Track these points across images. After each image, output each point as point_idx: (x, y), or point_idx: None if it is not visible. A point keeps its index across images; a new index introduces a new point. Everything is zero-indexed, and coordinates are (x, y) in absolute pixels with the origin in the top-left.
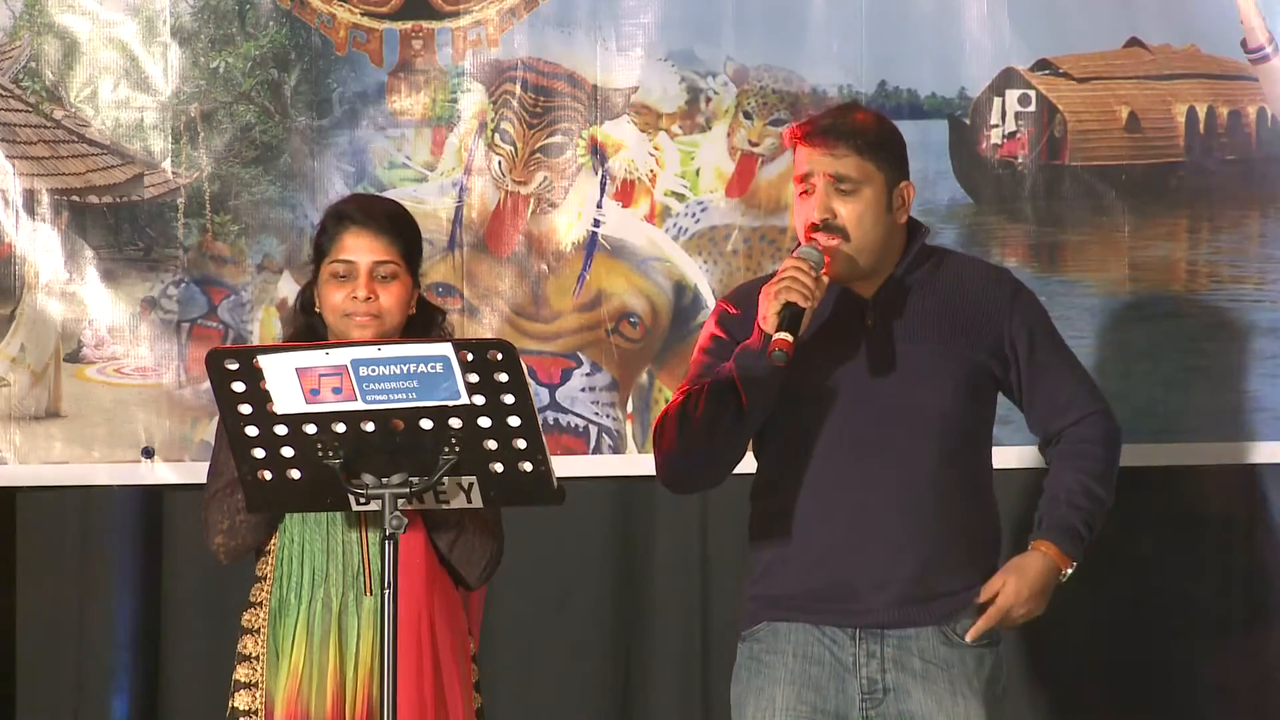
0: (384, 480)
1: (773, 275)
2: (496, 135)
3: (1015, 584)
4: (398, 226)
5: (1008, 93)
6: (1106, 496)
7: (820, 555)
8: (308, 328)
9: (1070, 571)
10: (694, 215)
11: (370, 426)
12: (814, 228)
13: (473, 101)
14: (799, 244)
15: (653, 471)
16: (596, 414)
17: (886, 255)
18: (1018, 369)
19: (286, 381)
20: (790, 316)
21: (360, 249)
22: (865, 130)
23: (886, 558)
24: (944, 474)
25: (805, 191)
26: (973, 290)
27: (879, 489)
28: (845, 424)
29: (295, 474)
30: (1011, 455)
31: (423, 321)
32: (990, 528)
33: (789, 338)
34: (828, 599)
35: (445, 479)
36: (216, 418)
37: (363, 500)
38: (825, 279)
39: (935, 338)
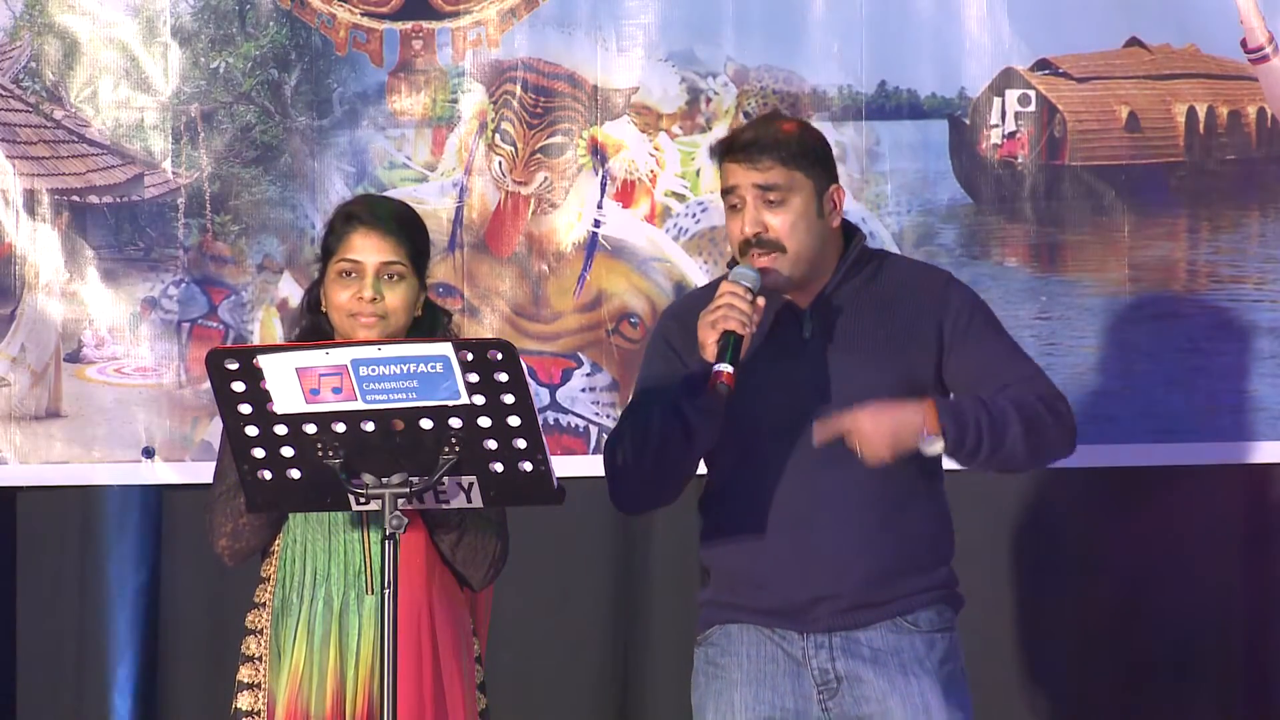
0: (384, 480)
1: (710, 287)
2: (497, 135)
3: (875, 408)
4: (406, 228)
5: (1008, 93)
6: (1016, 430)
7: (767, 572)
8: (314, 327)
9: (933, 447)
10: (694, 216)
11: (370, 426)
12: (747, 244)
13: (473, 102)
14: (734, 262)
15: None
16: (597, 414)
17: (823, 262)
18: (948, 352)
19: (286, 381)
20: (730, 345)
21: (368, 249)
22: (788, 140)
23: (834, 571)
24: (888, 483)
25: (734, 206)
26: (909, 289)
27: (823, 501)
28: (787, 436)
29: (295, 474)
30: None
31: (428, 323)
32: (941, 529)
33: (730, 369)
34: (777, 613)
35: (445, 479)
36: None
37: (363, 500)
38: (761, 302)
39: (871, 346)
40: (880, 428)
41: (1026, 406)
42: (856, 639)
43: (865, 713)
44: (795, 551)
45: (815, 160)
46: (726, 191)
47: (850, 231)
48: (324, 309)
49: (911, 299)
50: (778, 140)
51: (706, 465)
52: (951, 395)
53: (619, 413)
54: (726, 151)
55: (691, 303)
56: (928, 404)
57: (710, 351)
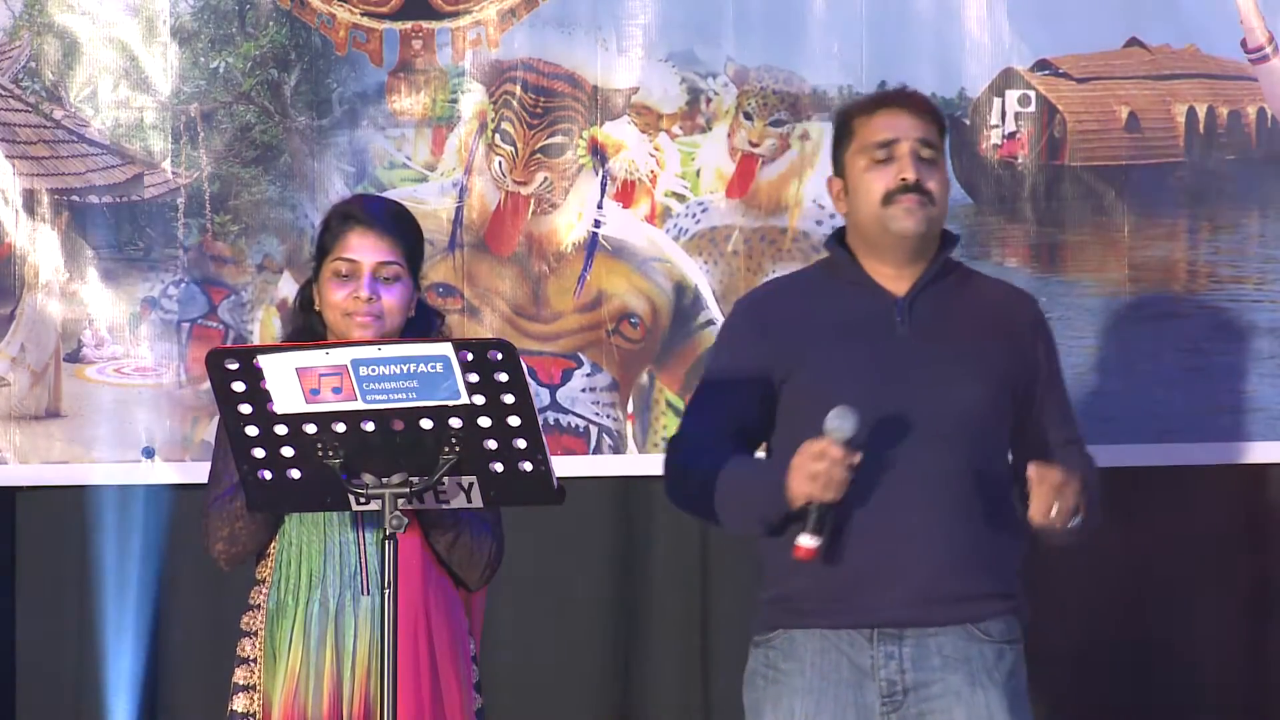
0: (384, 480)
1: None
2: (497, 135)
3: (1067, 474)
4: (402, 228)
5: (1008, 93)
6: (1098, 508)
7: (836, 556)
8: (306, 326)
9: (1077, 523)
10: (694, 216)
11: (370, 426)
12: (898, 190)
13: (473, 102)
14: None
15: (652, 471)
16: (597, 414)
17: (933, 242)
18: (1033, 386)
19: (286, 381)
20: (824, 517)
21: (365, 249)
22: (937, 111)
23: (903, 556)
24: (964, 476)
25: (881, 160)
26: (1000, 304)
27: (898, 489)
28: (870, 421)
29: (295, 474)
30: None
31: (422, 325)
32: (1013, 535)
33: (815, 544)
34: (842, 599)
35: (445, 479)
36: (216, 421)
37: (363, 500)
38: (858, 458)
39: (965, 341)
40: (1070, 500)
41: (1098, 498)
42: (927, 645)
43: None
44: (866, 533)
45: (945, 142)
46: (879, 145)
47: (944, 232)
48: (317, 308)
49: (1003, 315)
50: (929, 105)
51: (773, 453)
52: (1018, 436)
53: (619, 413)
54: (881, 103)
55: (773, 291)
56: (1081, 487)
57: (798, 501)
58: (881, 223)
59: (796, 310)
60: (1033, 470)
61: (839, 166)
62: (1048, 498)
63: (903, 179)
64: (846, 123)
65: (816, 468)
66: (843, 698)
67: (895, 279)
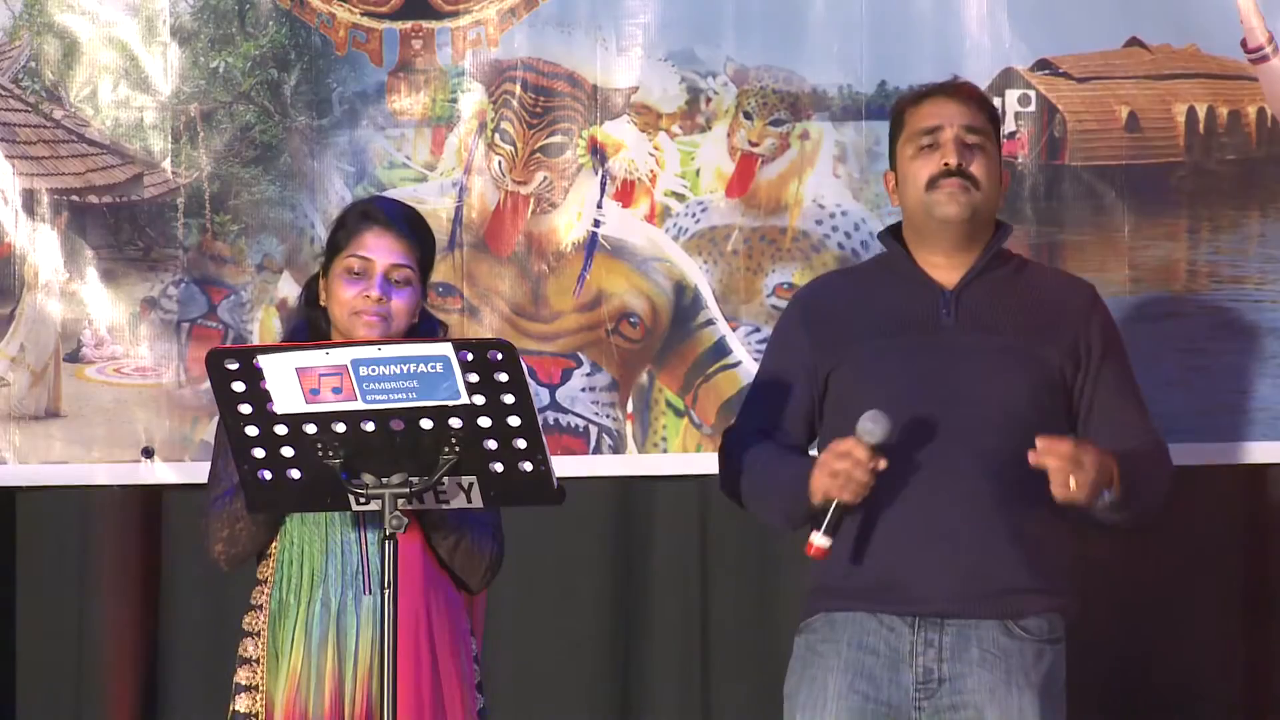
0: (384, 480)
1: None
2: (496, 135)
3: (1092, 449)
4: (418, 233)
5: (1007, 93)
6: (1158, 490)
7: (880, 544)
8: (310, 322)
9: (1103, 501)
10: (694, 215)
11: (370, 426)
12: (942, 175)
13: (473, 101)
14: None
15: (652, 471)
16: (596, 414)
17: (983, 230)
18: (1086, 373)
19: (286, 381)
20: (837, 516)
21: (380, 249)
22: (985, 99)
23: (947, 548)
24: (1011, 470)
25: (927, 146)
26: (1053, 293)
27: (943, 480)
28: (913, 414)
29: (295, 474)
30: None
31: (425, 332)
32: (1057, 532)
33: (828, 544)
34: (886, 587)
35: (445, 479)
36: (216, 421)
37: (363, 500)
38: (883, 464)
39: (1012, 333)
40: (1090, 472)
41: (1160, 481)
42: (968, 637)
43: (959, 718)
44: (910, 524)
45: (998, 132)
46: (924, 132)
47: (999, 223)
48: (323, 303)
49: (1055, 303)
50: (978, 94)
51: (820, 443)
52: (1080, 427)
53: (618, 413)
54: (925, 96)
55: (823, 285)
56: (1114, 460)
57: (817, 495)
58: (926, 209)
59: (844, 304)
60: (1040, 443)
61: (893, 159)
62: (1061, 471)
63: (945, 164)
64: (899, 115)
65: (839, 466)
66: (879, 678)
67: (946, 269)
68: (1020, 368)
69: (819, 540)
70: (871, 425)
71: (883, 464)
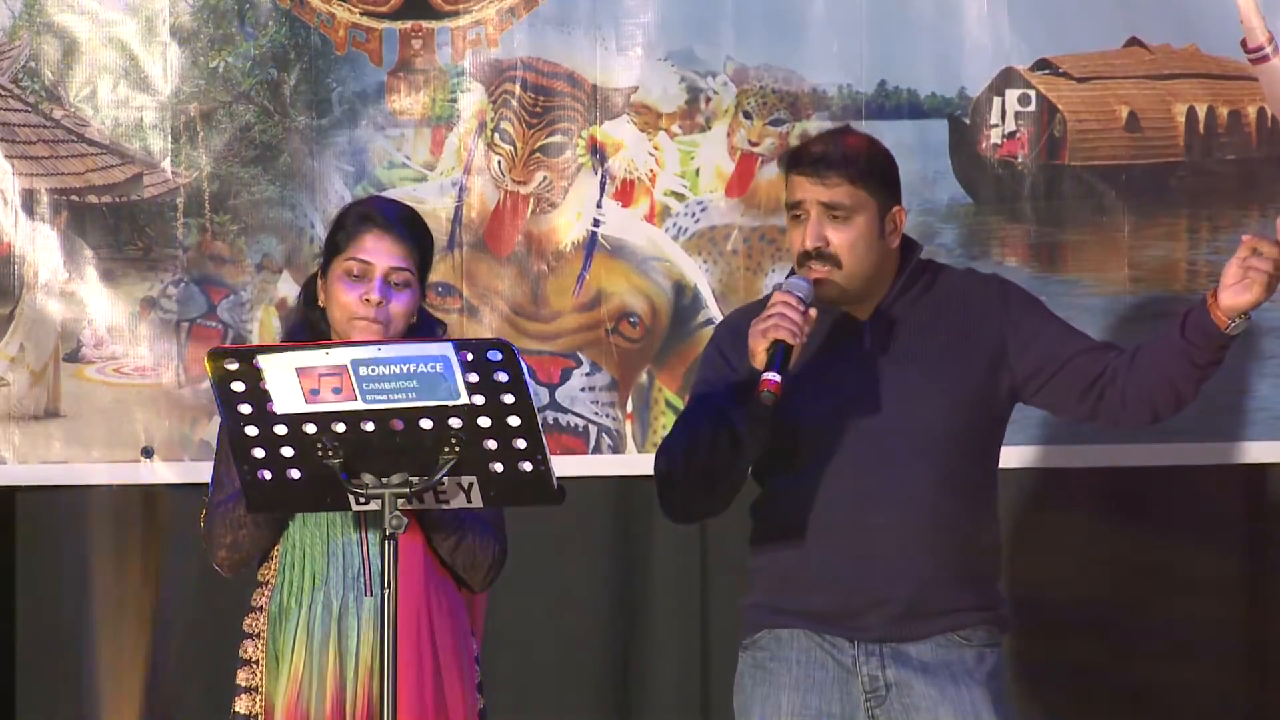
0: (384, 480)
1: (768, 299)
2: (496, 135)
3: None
4: (417, 236)
5: (1007, 92)
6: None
7: (818, 577)
8: (308, 322)
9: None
10: (694, 215)
11: (370, 426)
12: (806, 255)
13: (472, 101)
14: (792, 271)
15: (652, 471)
16: (596, 414)
17: (879, 279)
18: (1019, 346)
19: (286, 381)
20: (779, 354)
21: (380, 251)
22: (857, 157)
23: (885, 579)
24: (943, 493)
25: (797, 217)
26: (964, 301)
27: (877, 509)
28: (844, 445)
29: (295, 474)
30: (1013, 455)
31: (424, 331)
32: (991, 545)
33: (777, 377)
34: (826, 619)
35: (445, 479)
36: (217, 424)
37: (363, 500)
38: (813, 314)
39: (931, 356)
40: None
41: None
42: (906, 651)
43: None
44: (847, 555)
45: (881, 181)
46: (792, 205)
47: (908, 246)
48: (321, 304)
49: (965, 306)
50: (846, 157)
51: (761, 470)
52: (1029, 381)
53: (618, 412)
54: (794, 164)
55: (746, 312)
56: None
57: (760, 359)
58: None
59: None
60: (1247, 239)
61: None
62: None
63: (804, 247)
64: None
65: (770, 313)
66: (829, 692)
67: (859, 307)
68: (943, 389)
69: (770, 375)
70: (797, 281)
71: (813, 313)
